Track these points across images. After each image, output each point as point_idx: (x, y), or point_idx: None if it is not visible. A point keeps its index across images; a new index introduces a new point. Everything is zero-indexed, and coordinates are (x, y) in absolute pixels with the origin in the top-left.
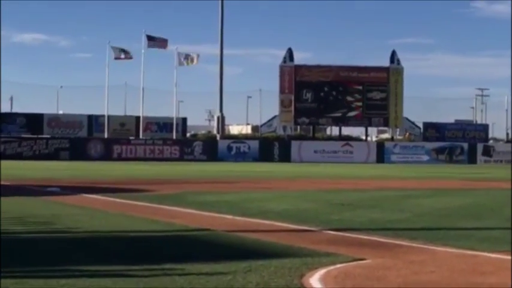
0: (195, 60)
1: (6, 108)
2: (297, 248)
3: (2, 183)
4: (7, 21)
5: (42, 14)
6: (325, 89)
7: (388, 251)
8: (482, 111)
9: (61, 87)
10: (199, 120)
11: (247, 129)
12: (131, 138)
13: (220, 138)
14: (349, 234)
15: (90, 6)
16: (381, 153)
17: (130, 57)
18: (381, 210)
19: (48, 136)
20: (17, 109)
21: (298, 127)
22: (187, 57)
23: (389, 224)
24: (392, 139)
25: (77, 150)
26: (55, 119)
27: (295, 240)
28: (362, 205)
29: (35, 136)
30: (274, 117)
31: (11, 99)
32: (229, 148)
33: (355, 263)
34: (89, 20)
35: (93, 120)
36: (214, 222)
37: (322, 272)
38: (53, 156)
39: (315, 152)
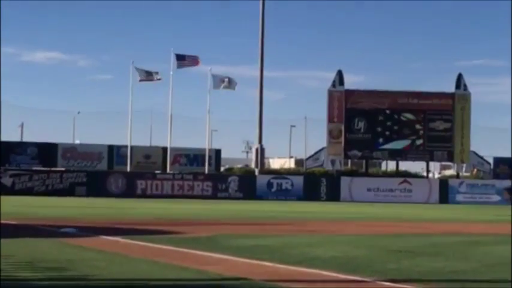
0: (232, 84)
1: (15, 137)
2: None
3: (10, 222)
4: (17, 37)
5: (58, 30)
6: (380, 117)
7: None
8: None
9: (78, 113)
10: (235, 153)
11: (290, 163)
12: (157, 172)
13: (259, 173)
14: (408, 286)
15: (112, 22)
16: (445, 192)
17: (158, 79)
18: (444, 258)
19: (63, 169)
20: (28, 138)
21: (349, 161)
22: (223, 80)
23: (454, 274)
24: (457, 176)
25: (96, 186)
26: (71, 149)
27: None
28: (423, 252)
29: (48, 169)
30: (322, 149)
31: (21, 126)
32: (270, 185)
33: None
34: (110, 37)
35: (114, 152)
36: (252, 270)
37: None
38: (68, 191)
39: (368, 190)
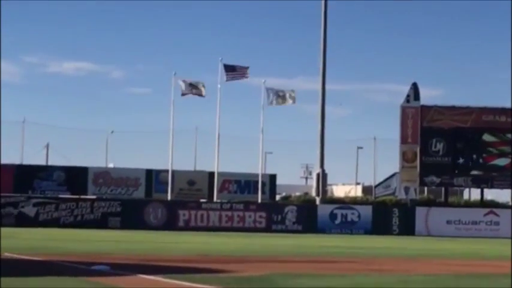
0: (289, 99)
1: (40, 160)
2: None
3: (33, 258)
4: (42, 45)
5: (89, 37)
6: (462, 138)
7: None
8: None
9: (112, 132)
10: (292, 179)
11: (356, 191)
12: (203, 201)
13: (321, 202)
14: None
15: (151, 26)
16: None
17: (202, 94)
18: None
19: (94, 197)
20: (54, 161)
21: (425, 189)
22: (279, 94)
23: None
24: None
25: (131, 216)
26: (103, 174)
27: None
28: None
29: (77, 197)
30: (393, 175)
31: (47, 147)
32: (333, 216)
33: None
34: (148, 44)
35: (153, 177)
36: None
37: None
38: (100, 223)
39: (448, 222)
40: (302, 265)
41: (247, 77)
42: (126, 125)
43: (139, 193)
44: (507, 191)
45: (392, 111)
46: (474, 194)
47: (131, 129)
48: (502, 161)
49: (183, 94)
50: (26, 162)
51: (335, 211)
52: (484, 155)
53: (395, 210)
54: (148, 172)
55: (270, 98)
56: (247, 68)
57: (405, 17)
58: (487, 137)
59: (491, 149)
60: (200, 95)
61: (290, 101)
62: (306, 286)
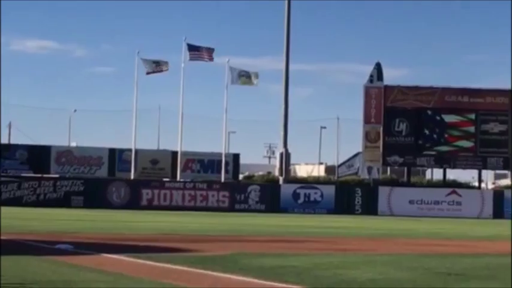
0: (253, 79)
1: (2, 139)
2: None
3: None
4: (5, 23)
5: (52, 16)
6: (425, 118)
7: None
8: None
9: (75, 111)
10: (255, 158)
11: (319, 171)
12: (166, 180)
13: (284, 181)
14: None
15: (114, 5)
16: (500, 205)
17: (166, 69)
18: (500, 282)
19: (57, 176)
20: (17, 139)
21: (388, 169)
22: (242, 74)
23: None
24: None
25: (94, 195)
26: (66, 153)
27: None
28: (475, 275)
29: (40, 175)
30: (356, 154)
31: (9, 126)
32: (296, 195)
33: None
34: (112, 23)
35: (116, 156)
36: None
37: None
38: (63, 202)
39: (411, 202)
40: (265, 245)
41: (210, 60)
42: (89, 103)
43: (102, 172)
44: (469, 171)
45: (355, 91)
46: (436, 174)
47: (94, 108)
48: (464, 142)
49: (147, 73)
50: None
51: (298, 190)
52: (447, 135)
53: (358, 189)
54: (112, 151)
55: (234, 77)
56: (212, 50)
57: None
58: (449, 118)
59: (453, 129)
60: (165, 70)
61: (253, 81)
62: (270, 265)
